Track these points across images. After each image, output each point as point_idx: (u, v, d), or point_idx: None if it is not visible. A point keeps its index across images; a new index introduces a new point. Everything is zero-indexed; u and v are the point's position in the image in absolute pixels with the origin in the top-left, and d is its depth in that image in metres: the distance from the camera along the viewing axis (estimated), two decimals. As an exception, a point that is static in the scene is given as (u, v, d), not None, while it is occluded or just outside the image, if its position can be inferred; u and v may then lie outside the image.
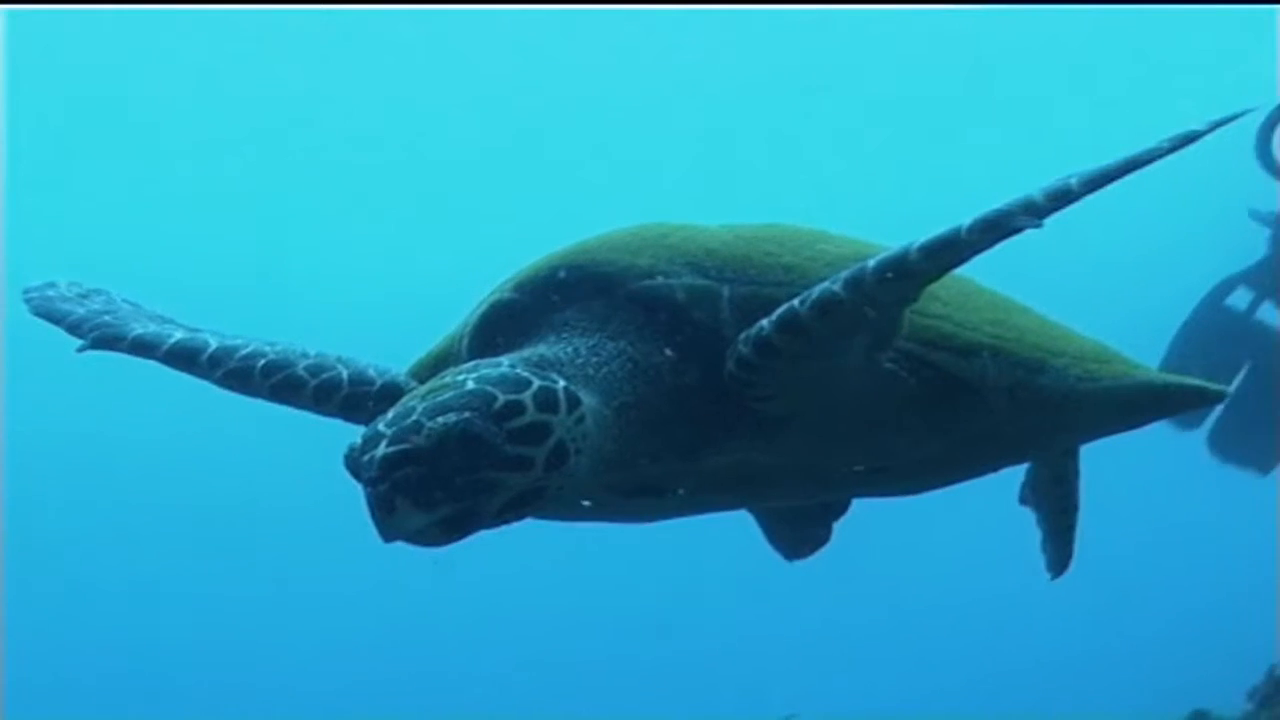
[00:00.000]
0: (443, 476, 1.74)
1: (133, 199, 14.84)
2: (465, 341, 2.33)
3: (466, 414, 1.77)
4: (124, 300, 2.67)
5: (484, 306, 2.31)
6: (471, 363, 2.00)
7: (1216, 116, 1.81)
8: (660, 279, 2.14)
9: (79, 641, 13.09)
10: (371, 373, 2.39)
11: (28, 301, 2.63)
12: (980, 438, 2.31)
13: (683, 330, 2.11)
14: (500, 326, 2.26)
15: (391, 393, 2.32)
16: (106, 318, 2.52)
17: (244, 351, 2.39)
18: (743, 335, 2.01)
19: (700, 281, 2.12)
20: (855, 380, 2.10)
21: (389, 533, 1.73)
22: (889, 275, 1.86)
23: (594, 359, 2.08)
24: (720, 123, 14.68)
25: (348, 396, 2.35)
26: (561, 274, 2.20)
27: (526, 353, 2.07)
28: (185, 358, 2.39)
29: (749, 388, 2.04)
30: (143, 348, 2.42)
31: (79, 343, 2.43)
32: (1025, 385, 2.26)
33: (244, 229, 14.92)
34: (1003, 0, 13.30)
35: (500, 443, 1.79)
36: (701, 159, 14.56)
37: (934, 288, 2.10)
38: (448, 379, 1.89)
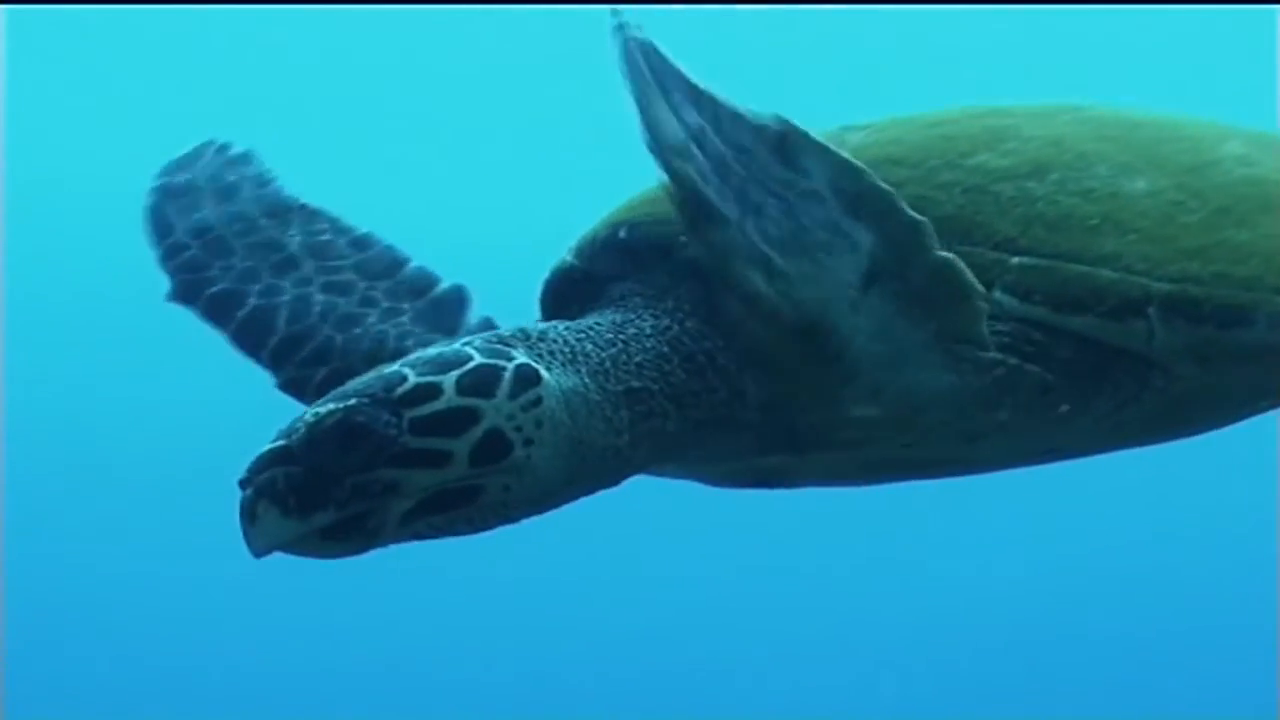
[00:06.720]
0: (326, 478, 1.49)
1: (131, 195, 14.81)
2: (538, 309, 2.04)
3: (352, 401, 1.52)
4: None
5: (549, 271, 2.00)
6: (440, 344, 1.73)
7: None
8: None
9: (78, 640, 13.08)
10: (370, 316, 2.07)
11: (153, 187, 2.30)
12: (1163, 411, 1.77)
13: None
14: (567, 294, 1.93)
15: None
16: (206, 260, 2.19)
17: (272, 301, 2.10)
18: None
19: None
20: (942, 382, 1.62)
21: (254, 544, 1.50)
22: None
23: (610, 335, 1.71)
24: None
25: (283, 339, 2.03)
26: (622, 233, 1.85)
27: (514, 328, 1.74)
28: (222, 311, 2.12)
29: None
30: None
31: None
32: (1216, 343, 1.65)
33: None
34: (1011, 0, 13.31)
35: (396, 434, 1.51)
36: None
37: (1139, 204, 1.67)
38: (396, 363, 1.63)
